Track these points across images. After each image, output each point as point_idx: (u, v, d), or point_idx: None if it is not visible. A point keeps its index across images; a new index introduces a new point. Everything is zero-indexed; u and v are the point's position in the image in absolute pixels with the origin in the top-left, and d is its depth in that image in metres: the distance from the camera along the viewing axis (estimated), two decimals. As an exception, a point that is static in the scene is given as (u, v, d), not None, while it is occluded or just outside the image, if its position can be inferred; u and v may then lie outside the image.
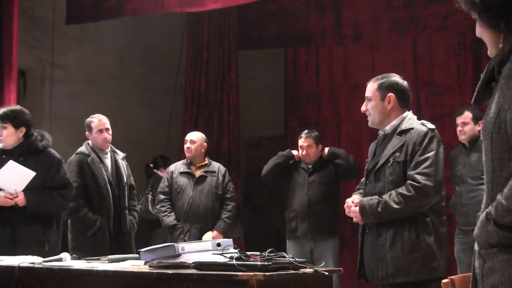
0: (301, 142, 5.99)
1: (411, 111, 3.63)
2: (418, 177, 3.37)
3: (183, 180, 6.14)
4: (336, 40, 8.37)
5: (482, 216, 1.94)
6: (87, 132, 5.50)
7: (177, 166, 6.25)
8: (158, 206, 6.17)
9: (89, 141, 5.50)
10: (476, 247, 2.00)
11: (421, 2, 7.71)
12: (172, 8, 6.76)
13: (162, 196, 6.14)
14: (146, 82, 9.35)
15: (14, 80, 6.43)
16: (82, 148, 5.46)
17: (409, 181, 3.39)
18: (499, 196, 1.87)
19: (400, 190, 3.38)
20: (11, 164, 4.35)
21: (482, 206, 2.00)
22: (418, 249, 3.38)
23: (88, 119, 5.53)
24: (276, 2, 8.23)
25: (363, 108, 3.64)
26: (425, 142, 3.43)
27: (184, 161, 6.30)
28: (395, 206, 3.36)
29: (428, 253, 3.39)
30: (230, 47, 8.62)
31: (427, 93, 7.82)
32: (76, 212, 5.22)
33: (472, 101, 2.09)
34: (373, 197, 3.46)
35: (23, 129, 4.54)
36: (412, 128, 3.49)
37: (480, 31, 2.05)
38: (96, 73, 8.84)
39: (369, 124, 3.67)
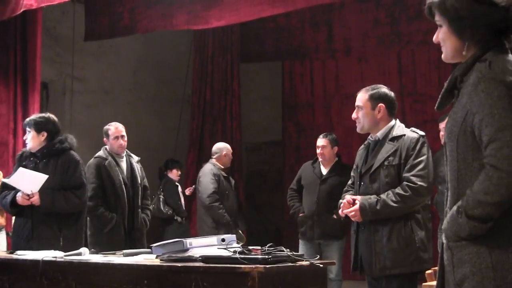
0: (318, 142, 5.90)
1: (397, 119, 3.63)
2: (414, 178, 3.37)
3: (227, 185, 6.38)
4: (328, 54, 8.38)
5: (452, 210, 1.94)
6: (105, 139, 5.49)
7: (216, 171, 6.36)
8: (218, 204, 6.25)
9: (107, 146, 5.50)
10: (443, 240, 2.00)
11: (405, 19, 7.72)
12: (180, 26, 6.76)
13: (217, 196, 6.28)
14: (157, 93, 9.35)
15: (38, 92, 6.44)
16: (100, 153, 5.45)
17: (405, 182, 3.38)
18: (468, 191, 1.89)
19: (397, 190, 3.38)
20: (21, 171, 4.44)
21: (448, 203, 2.00)
22: (413, 243, 3.38)
23: (106, 127, 5.52)
24: (274, 20, 8.23)
25: (353, 115, 3.63)
26: (417, 147, 3.44)
27: (217, 167, 6.41)
28: (393, 204, 3.36)
29: (422, 246, 3.39)
30: (232, 60, 8.62)
31: (411, 101, 7.83)
32: (94, 211, 5.20)
33: (435, 107, 2.10)
34: (371, 196, 3.45)
35: (45, 134, 4.58)
36: (404, 135, 3.50)
37: (443, 37, 2.05)
38: (112, 85, 8.84)
39: (358, 130, 3.67)
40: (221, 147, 6.57)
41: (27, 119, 4.72)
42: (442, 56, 2.07)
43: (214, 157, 6.53)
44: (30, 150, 4.62)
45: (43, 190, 4.40)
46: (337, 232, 5.73)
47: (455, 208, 1.93)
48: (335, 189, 5.59)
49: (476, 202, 1.85)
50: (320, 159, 5.87)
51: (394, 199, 3.36)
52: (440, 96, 2.07)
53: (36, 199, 4.40)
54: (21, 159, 4.64)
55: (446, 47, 2.04)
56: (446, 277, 1.98)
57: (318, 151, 5.84)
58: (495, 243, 1.85)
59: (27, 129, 4.62)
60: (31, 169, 4.49)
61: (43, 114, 4.79)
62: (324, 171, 5.85)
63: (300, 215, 5.84)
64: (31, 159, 4.58)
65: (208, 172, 6.37)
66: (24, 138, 4.72)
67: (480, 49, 1.96)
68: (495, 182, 1.82)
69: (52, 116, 4.79)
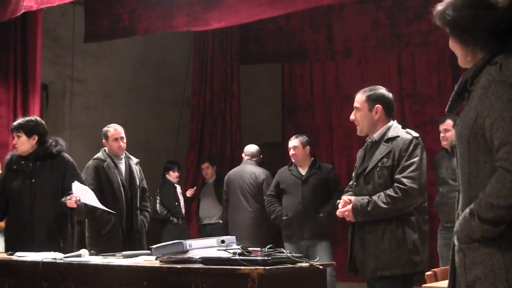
0: (289, 144, 5.95)
1: (395, 120, 3.63)
2: (405, 180, 3.37)
3: None
4: (328, 56, 8.38)
5: (465, 212, 1.94)
6: (104, 140, 5.48)
7: None
8: None
9: (106, 148, 5.49)
10: (455, 242, 1.99)
11: (405, 21, 7.72)
12: (180, 27, 6.76)
13: None
14: (157, 94, 9.35)
15: (38, 93, 6.44)
16: (99, 154, 5.43)
17: (396, 184, 3.39)
18: (481, 194, 1.88)
19: (388, 192, 3.38)
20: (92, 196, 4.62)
21: (459, 205, 2.00)
22: (405, 245, 3.38)
23: (105, 129, 5.51)
24: (274, 22, 8.24)
25: (352, 117, 3.64)
26: (410, 149, 3.43)
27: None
28: (384, 206, 3.36)
29: (413, 249, 3.39)
30: (232, 62, 8.62)
31: (410, 103, 7.82)
32: (92, 212, 5.15)
33: (446, 110, 2.11)
34: (364, 197, 3.45)
35: (36, 137, 4.57)
36: (398, 136, 3.49)
37: (452, 45, 2.08)
38: (112, 86, 8.84)
39: (358, 133, 3.67)
40: (258, 149, 6.69)
41: (15, 124, 4.66)
42: (458, 61, 2.11)
43: (254, 159, 6.61)
44: (21, 154, 4.58)
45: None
46: (326, 231, 5.74)
47: (467, 210, 1.93)
48: (317, 188, 5.73)
49: (488, 205, 1.85)
50: (293, 160, 5.90)
51: (384, 200, 3.38)
52: (450, 99, 2.08)
53: (73, 204, 4.43)
54: (10, 163, 4.60)
55: (457, 54, 2.08)
56: (457, 279, 1.98)
57: (290, 152, 5.88)
58: (508, 245, 1.85)
59: (16, 133, 4.57)
60: (25, 172, 4.52)
61: (30, 118, 4.77)
62: (303, 171, 5.86)
63: (284, 218, 5.83)
64: (22, 162, 4.56)
65: (270, 175, 6.49)
66: (14, 142, 4.65)
67: (488, 52, 1.96)
68: (508, 186, 1.82)
69: (39, 118, 4.81)
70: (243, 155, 6.72)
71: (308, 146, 5.90)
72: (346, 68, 8.31)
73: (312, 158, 5.94)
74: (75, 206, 4.41)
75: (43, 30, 6.65)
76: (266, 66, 9.16)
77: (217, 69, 8.61)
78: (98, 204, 4.66)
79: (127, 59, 9.03)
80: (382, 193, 3.40)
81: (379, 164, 3.47)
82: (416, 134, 3.52)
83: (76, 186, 4.43)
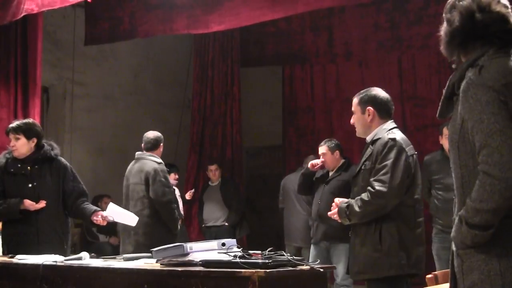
0: (319, 150, 5.90)
1: (391, 121, 3.60)
2: (375, 183, 3.39)
3: None
4: (328, 58, 8.39)
5: (456, 219, 1.95)
6: (161, 144, 5.92)
7: None
8: None
9: (153, 154, 5.75)
10: (453, 247, 2.00)
11: (405, 23, 7.73)
12: (180, 30, 6.78)
13: None
14: (157, 97, 9.35)
15: (38, 96, 6.44)
16: (158, 159, 5.72)
17: (368, 187, 3.42)
18: (468, 199, 1.89)
19: (362, 195, 3.42)
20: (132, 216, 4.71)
21: (455, 210, 2.00)
22: (379, 249, 3.38)
23: (159, 134, 5.96)
24: (274, 24, 8.25)
25: (351, 120, 3.67)
26: (384, 151, 3.42)
27: None
28: (357, 209, 3.40)
29: (390, 253, 3.37)
30: (232, 65, 8.64)
31: (411, 106, 7.83)
32: (174, 214, 5.53)
33: (437, 115, 2.10)
34: (351, 200, 3.49)
35: (35, 140, 4.53)
36: (380, 138, 3.50)
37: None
38: (112, 89, 8.85)
39: (357, 134, 3.71)
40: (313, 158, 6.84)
41: (14, 125, 4.57)
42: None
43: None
44: (17, 156, 4.51)
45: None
46: (341, 234, 5.57)
47: (457, 217, 1.93)
48: (338, 190, 5.54)
49: (474, 210, 1.85)
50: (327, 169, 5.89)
51: (358, 204, 3.42)
52: (440, 104, 2.07)
53: (104, 223, 4.56)
54: (6, 166, 4.52)
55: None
56: (458, 283, 1.98)
57: (321, 158, 5.86)
58: (504, 251, 1.84)
59: (15, 135, 4.49)
60: (25, 175, 4.49)
61: (27, 120, 4.74)
62: (331, 174, 5.86)
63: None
64: (19, 165, 4.51)
65: None
66: (12, 144, 4.53)
67: (473, 54, 1.96)
68: (488, 189, 1.81)
69: (35, 121, 4.81)
70: (304, 164, 6.74)
71: (337, 151, 5.77)
72: (346, 71, 8.31)
73: (343, 160, 5.82)
74: (104, 224, 4.53)
75: (43, 33, 6.66)
76: (267, 69, 9.17)
77: (217, 72, 8.62)
78: (134, 222, 4.73)
79: (128, 62, 9.04)
80: (359, 197, 3.44)
81: (362, 168, 3.52)
82: (392, 136, 3.46)
83: (111, 208, 4.55)
